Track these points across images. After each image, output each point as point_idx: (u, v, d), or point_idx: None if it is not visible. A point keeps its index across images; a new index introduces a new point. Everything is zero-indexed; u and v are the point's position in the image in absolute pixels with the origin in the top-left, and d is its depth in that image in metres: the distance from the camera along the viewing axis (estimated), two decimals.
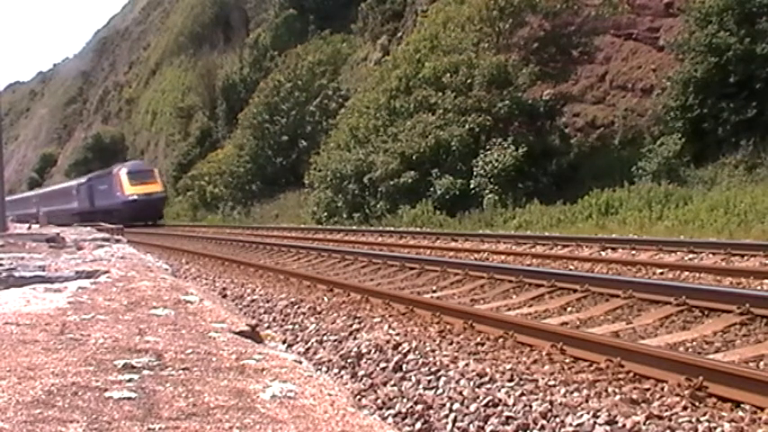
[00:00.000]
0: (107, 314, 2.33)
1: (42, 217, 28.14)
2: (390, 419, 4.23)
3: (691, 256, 9.55)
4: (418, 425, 4.13)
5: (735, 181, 15.48)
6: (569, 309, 6.62)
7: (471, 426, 3.92)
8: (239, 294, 9.36)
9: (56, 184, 56.67)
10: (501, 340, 5.37)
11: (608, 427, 3.51)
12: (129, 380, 1.53)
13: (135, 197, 37.29)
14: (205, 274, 12.18)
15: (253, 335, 2.20)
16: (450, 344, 5.40)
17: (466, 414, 4.02)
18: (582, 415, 3.66)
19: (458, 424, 3.98)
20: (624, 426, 3.50)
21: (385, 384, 4.78)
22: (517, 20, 20.86)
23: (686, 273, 8.21)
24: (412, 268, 9.95)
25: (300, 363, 1.80)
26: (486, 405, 4.02)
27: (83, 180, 45.97)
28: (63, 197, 47.51)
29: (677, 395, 3.84)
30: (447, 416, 4.08)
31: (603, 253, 10.68)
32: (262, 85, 35.93)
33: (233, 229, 27.65)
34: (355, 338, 5.94)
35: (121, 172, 38.88)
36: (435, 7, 26.24)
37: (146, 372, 1.60)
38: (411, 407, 4.31)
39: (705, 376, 3.86)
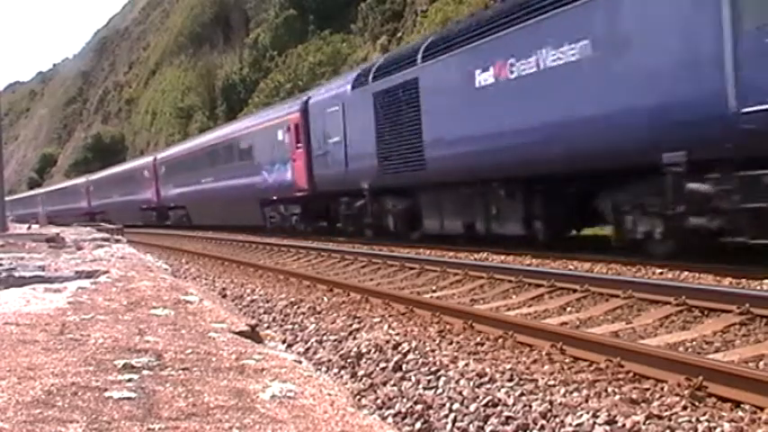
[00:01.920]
0: (107, 314, 2.33)
1: (42, 217, 26.94)
2: (390, 419, 4.23)
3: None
4: (418, 425, 4.13)
5: None
6: (569, 309, 6.62)
7: (471, 426, 3.92)
8: (239, 294, 9.35)
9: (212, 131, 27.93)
10: (501, 340, 5.37)
11: (607, 427, 3.51)
12: (129, 380, 1.53)
13: None
14: (205, 274, 12.18)
15: (252, 335, 2.21)
16: (450, 344, 5.40)
17: (466, 414, 4.02)
18: (582, 415, 3.66)
19: (457, 424, 3.98)
20: (624, 425, 3.50)
21: (385, 384, 4.78)
22: None
23: (686, 273, 8.20)
24: (412, 268, 9.95)
25: (300, 363, 1.80)
26: (486, 405, 4.02)
27: (330, 90, 16.54)
28: (237, 167, 21.62)
29: (677, 395, 3.83)
30: (447, 416, 4.08)
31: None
32: (262, 86, 35.94)
33: (232, 229, 27.58)
34: (355, 338, 5.94)
35: None
36: (435, 7, 26.25)
37: (145, 372, 1.60)
38: (411, 407, 4.31)
39: (705, 376, 3.86)
